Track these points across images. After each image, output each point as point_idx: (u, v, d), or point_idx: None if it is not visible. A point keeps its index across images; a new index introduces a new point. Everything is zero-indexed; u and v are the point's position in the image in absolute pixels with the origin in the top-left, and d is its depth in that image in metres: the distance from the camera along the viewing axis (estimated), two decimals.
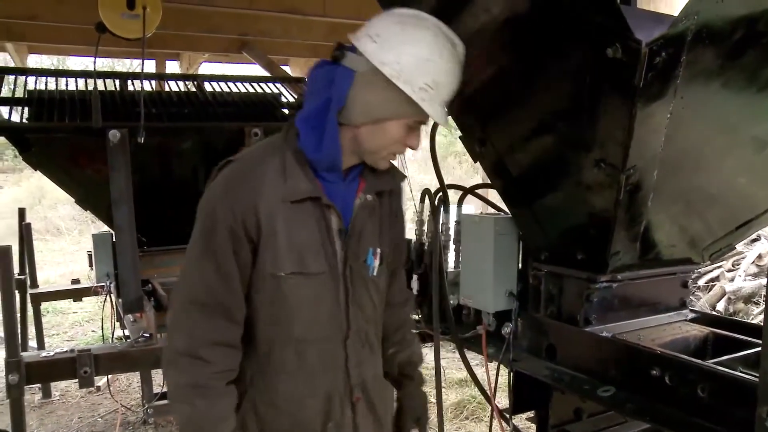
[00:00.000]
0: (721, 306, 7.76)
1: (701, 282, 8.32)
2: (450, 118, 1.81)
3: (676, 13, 1.57)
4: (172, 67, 8.53)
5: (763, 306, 6.09)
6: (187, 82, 4.92)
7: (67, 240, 14.66)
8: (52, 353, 3.31)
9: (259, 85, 4.94)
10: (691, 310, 2.43)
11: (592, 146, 1.65)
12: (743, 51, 1.51)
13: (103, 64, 16.40)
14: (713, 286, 8.13)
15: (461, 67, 1.70)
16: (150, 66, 7.74)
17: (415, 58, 1.60)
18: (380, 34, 1.64)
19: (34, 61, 15.17)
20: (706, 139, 1.79)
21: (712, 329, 2.28)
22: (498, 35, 1.83)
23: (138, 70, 5.03)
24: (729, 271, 8.41)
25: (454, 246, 2.58)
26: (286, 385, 1.76)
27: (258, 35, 5.35)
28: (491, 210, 2.62)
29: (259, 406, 1.77)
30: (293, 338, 1.74)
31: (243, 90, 4.88)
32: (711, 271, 8.31)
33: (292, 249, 1.68)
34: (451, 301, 2.49)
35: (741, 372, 1.85)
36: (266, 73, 5.58)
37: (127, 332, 3.97)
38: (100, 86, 4.33)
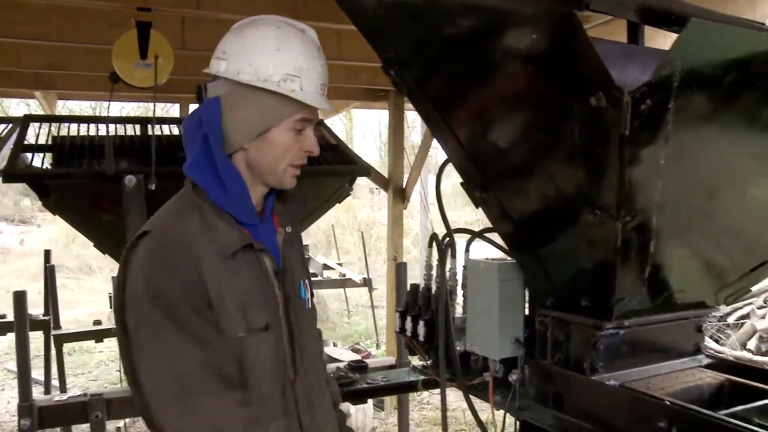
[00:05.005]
0: (752, 344, 7.56)
1: (731, 320, 8.13)
2: (326, 100, 1.69)
3: None
4: None
5: None
6: None
7: (99, 279, 14.85)
8: (65, 397, 3.31)
9: None
10: (708, 356, 2.35)
11: (587, 194, 1.62)
12: (738, 94, 1.48)
13: (137, 107, 16.60)
14: (743, 323, 7.94)
15: (318, 48, 1.64)
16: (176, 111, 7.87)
17: (264, 53, 1.55)
18: (226, 50, 1.61)
19: (63, 106, 15.44)
20: (708, 183, 1.74)
21: (728, 376, 2.20)
22: (489, 81, 1.82)
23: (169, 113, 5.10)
24: (760, 308, 8.21)
25: (462, 291, 2.55)
26: None
27: None
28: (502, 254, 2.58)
29: None
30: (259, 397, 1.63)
31: None
32: (741, 308, 8.12)
33: (240, 306, 1.59)
34: (458, 348, 2.44)
35: (756, 424, 1.78)
36: None
37: None
38: (123, 131, 4.41)
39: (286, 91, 1.56)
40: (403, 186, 6.86)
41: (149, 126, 4.62)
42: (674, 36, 1.31)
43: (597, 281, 1.90)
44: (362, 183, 20.47)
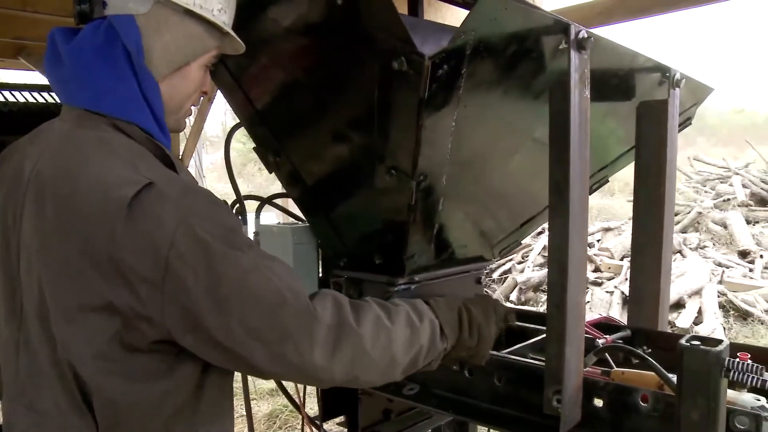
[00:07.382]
0: (514, 296, 8.34)
1: (495, 275, 8.88)
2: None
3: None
4: None
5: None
6: None
7: None
8: None
9: (41, 95, 4.57)
10: None
11: (383, 155, 1.68)
12: (517, 64, 1.61)
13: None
14: (506, 278, 8.71)
15: None
16: None
17: None
18: None
19: None
20: (490, 144, 1.89)
21: None
22: (289, 45, 1.82)
23: None
24: (519, 263, 9.08)
25: None
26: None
27: (37, 40, 4.91)
28: (291, 219, 2.61)
29: None
30: None
31: (22, 99, 4.49)
32: (504, 264, 8.90)
33: None
34: None
35: (531, 358, 1.98)
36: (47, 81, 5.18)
37: None
38: None
39: (220, 23, 1.42)
40: (179, 157, 6.66)
41: None
42: (449, 10, 1.41)
43: (390, 239, 1.98)
44: None
